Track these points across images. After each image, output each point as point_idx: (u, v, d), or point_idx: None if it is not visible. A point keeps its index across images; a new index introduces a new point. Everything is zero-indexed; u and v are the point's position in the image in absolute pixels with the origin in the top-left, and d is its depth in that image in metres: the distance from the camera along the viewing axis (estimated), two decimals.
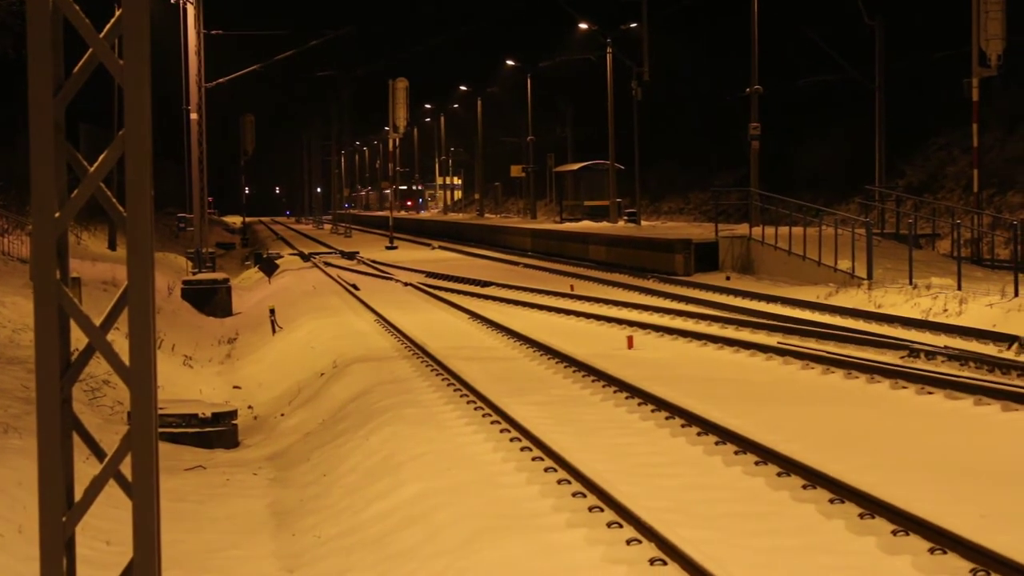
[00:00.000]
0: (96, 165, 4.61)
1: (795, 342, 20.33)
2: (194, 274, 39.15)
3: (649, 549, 8.56)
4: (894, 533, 8.83)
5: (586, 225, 57.03)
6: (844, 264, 30.46)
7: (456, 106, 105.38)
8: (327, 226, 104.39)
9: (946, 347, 18.73)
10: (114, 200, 4.68)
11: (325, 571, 10.02)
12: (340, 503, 12.15)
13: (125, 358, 4.65)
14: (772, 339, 20.87)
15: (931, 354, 18.01)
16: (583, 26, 62.82)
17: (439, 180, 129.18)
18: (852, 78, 46.90)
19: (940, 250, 36.45)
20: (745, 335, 21.75)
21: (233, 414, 17.58)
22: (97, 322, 4.67)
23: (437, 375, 17.95)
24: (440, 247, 63.49)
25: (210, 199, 54.22)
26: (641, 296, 31.22)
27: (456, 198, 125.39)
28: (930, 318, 22.86)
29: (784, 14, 51.10)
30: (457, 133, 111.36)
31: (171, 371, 22.75)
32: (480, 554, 8.93)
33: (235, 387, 23.00)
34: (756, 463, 11.28)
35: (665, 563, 8.24)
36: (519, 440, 12.65)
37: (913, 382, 15.63)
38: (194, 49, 40.91)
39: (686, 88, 69.16)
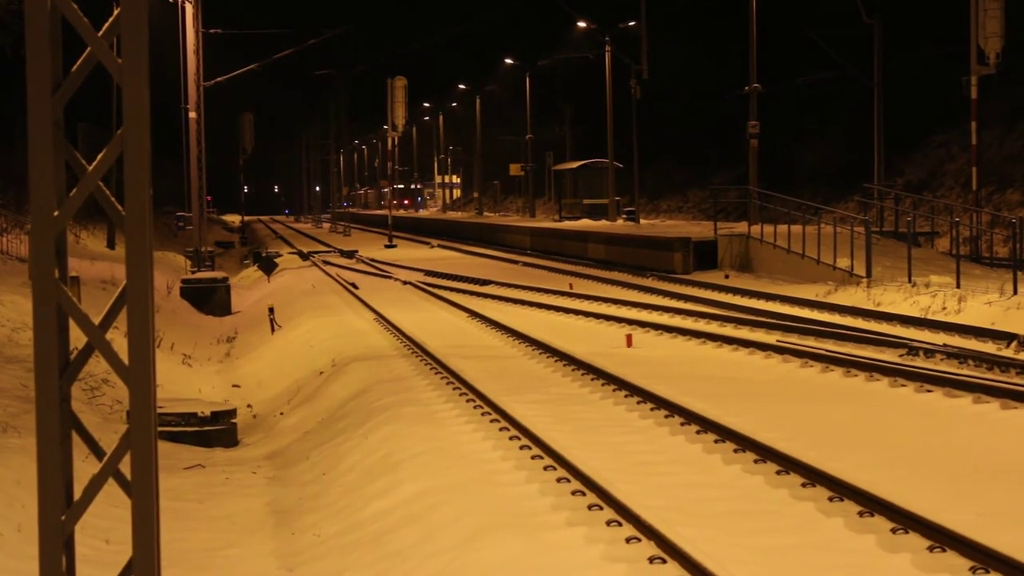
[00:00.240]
0: (95, 164, 4.60)
1: (794, 340, 20.33)
2: (193, 273, 39.16)
3: (648, 547, 8.56)
4: (893, 531, 8.83)
5: (585, 223, 57.03)
6: (843, 262, 30.46)
7: (455, 105, 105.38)
8: (326, 225, 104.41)
9: (945, 345, 18.73)
10: (113, 199, 4.68)
11: (324, 569, 10.03)
12: (339, 502, 12.16)
13: (124, 357, 4.65)
14: (771, 337, 20.87)
15: (930, 352, 18.01)
16: (582, 24, 62.83)
17: (438, 179, 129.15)
18: (851, 76, 46.91)
19: (939, 248, 36.46)
20: (744, 333, 21.75)
21: (232, 413, 17.59)
22: (96, 321, 4.67)
23: (436, 373, 17.95)
24: (439, 246, 63.49)
25: (209, 198, 54.24)
26: (640, 294, 31.22)
27: (455, 197, 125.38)
28: (929, 316, 22.86)
29: (783, 12, 51.11)
30: (456, 132, 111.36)
31: (170, 370, 22.75)
32: (479, 552, 8.93)
33: (234, 386, 23.00)
34: (755, 461, 11.28)
35: (664, 561, 8.24)
36: (518, 438, 12.65)
37: (912, 380, 15.63)
38: (193, 48, 40.92)
39: (685, 86, 69.16)
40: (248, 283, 47.31)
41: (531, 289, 32.82)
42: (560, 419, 13.81)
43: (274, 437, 17.61)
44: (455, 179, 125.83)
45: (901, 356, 18.09)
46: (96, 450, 4.81)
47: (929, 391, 15.07)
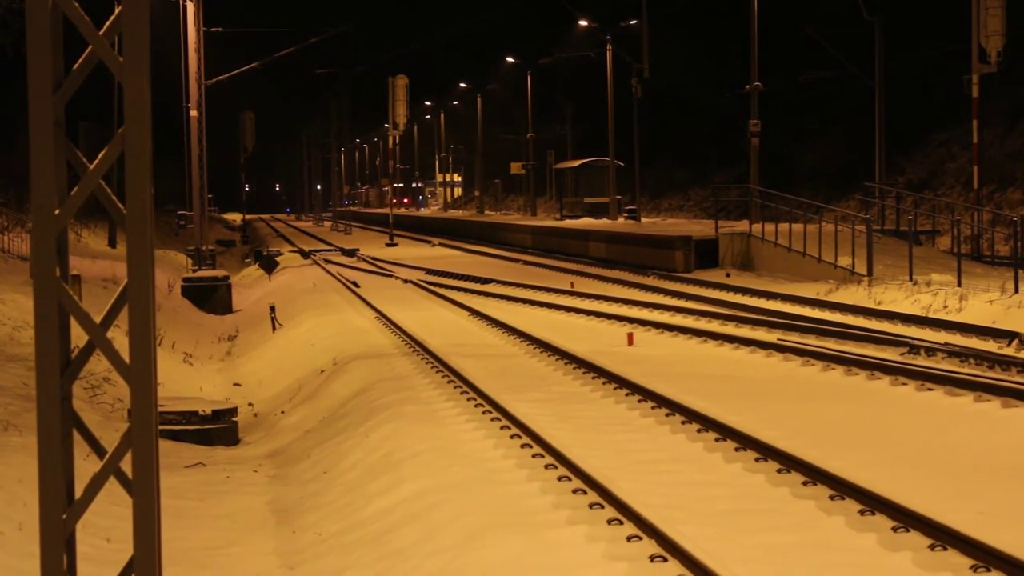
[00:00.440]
0: (96, 162, 4.61)
1: (795, 339, 20.33)
2: (194, 271, 39.17)
3: (649, 546, 8.57)
4: (894, 529, 8.83)
5: (586, 222, 57.03)
6: (844, 261, 30.46)
7: (456, 103, 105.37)
8: (327, 223, 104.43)
9: (946, 343, 18.73)
10: (114, 197, 4.68)
11: (325, 568, 10.03)
12: (340, 500, 12.16)
13: (125, 355, 4.65)
14: (772, 336, 20.87)
15: (931, 350, 18.01)
16: (583, 23, 62.84)
17: (439, 177, 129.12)
18: (852, 75, 46.89)
19: (940, 246, 36.46)
20: (745, 332, 21.75)
21: (233, 411, 17.59)
22: (97, 319, 4.67)
23: (437, 372, 17.95)
24: (440, 244, 63.50)
25: (210, 196, 54.18)
26: (641, 293, 31.21)
27: (456, 195, 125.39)
28: (930, 314, 22.86)
29: (784, 11, 51.09)
30: (457, 130, 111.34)
31: (171, 368, 22.75)
32: (480, 551, 8.93)
33: (235, 384, 23.01)
34: (756, 460, 11.28)
35: (665, 560, 8.25)
36: (519, 437, 12.65)
37: (913, 378, 15.63)
38: (194, 47, 40.91)
39: (686, 85, 69.14)
40: (249, 282, 47.32)
41: (532, 288, 32.82)
42: (561, 418, 13.81)
43: (275, 435, 17.61)
44: (456, 178, 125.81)
45: (902, 355, 18.09)
46: (97, 448, 4.81)
47: (930, 390, 15.07)
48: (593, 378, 16.76)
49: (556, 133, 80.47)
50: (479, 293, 32.17)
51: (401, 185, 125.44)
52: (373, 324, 25.91)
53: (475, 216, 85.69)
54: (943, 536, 8.39)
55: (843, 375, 16.72)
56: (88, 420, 8.87)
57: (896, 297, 25.57)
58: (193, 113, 41.11)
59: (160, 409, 12.41)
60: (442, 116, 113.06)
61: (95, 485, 4.69)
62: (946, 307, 23.45)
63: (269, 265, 47.53)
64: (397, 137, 77.26)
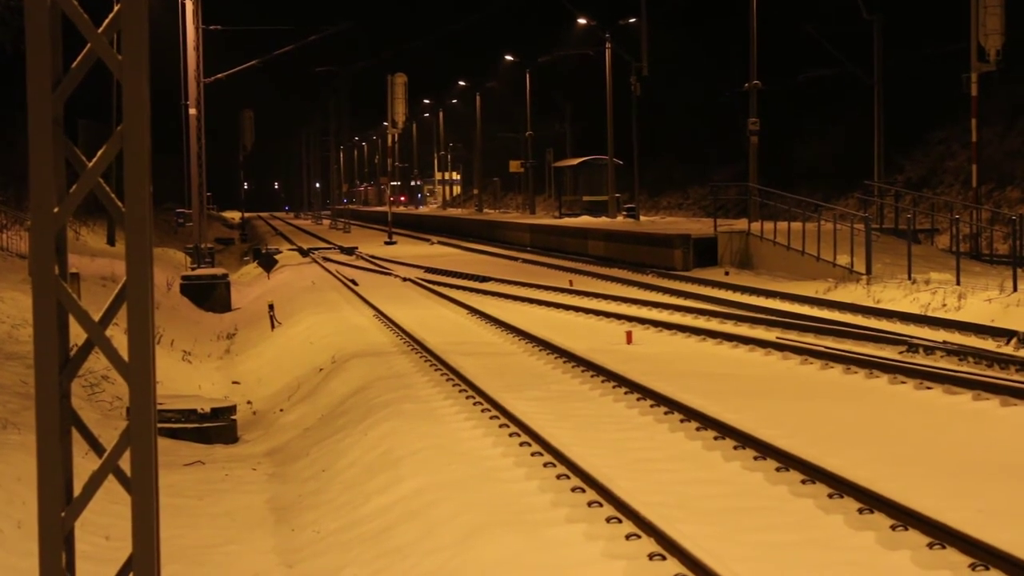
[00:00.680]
0: (94, 160, 4.60)
1: (794, 337, 20.34)
2: (193, 269, 39.16)
3: (648, 544, 8.57)
4: (893, 528, 8.84)
5: (585, 220, 57.02)
6: (843, 259, 30.45)
7: (455, 101, 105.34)
8: (326, 221, 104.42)
9: (945, 342, 18.73)
10: (113, 195, 4.68)
11: (324, 566, 10.03)
12: (339, 498, 12.16)
13: (124, 353, 4.65)
14: (771, 334, 20.87)
15: (930, 349, 18.01)
16: (582, 21, 62.81)
17: (438, 175, 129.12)
18: (851, 73, 46.88)
19: (939, 245, 36.45)
20: (744, 330, 21.75)
21: (232, 409, 17.59)
22: (96, 317, 4.67)
23: (436, 370, 17.95)
24: (439, 242, 63.50)
25: (209, 194, 54.21)
26: (640, 291, 31.21)
27: (455, 193, 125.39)
28: (929, 313, 22.86)
29: (783, 9, 51.06)
30: (456, 128, 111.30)
31: (170, 366, 22.75)
32: (479, 549, 8.93)
33: (234, 382, 23.01)
34: (755, 458, 11.29)
35: (664, 558, 8.25)
36: (518, 435, 12.66)
37: (912, 377, 15.63)
38: (193, 44, 40.89)
39: (685, 83, 69.12)
40: (248, 280, 47.31)
41: (531, 286, 32.82)
42: (560, 416, 13.81)
43: (274, 434, 17.61)
44: (455, 176, 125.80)
45: (901, 353, 18.09)
46: (96, 446, 4.81)
47: (929, 388, 15.07)
48: (592, 376, 16.76)
49: (555, 131, 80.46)
50: (478, 291, 32.17)
51: (398, 183, 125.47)
52: (372, 322, 25.91)
53: (474, 214, 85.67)
54: (942, 534, 8.39)
55: (842, 373, 16.72)
56: (87, 418, 8.86)
57: (895, 295, 25.58)
58: (192, 111, 41.10)
59: (159, 407, 12.41)
60: (441, 114, 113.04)
61: (94, 483, 4.68)
62: (945, 305, 23.45)
63: (268, 263, 47.50)
64: (396, 135, 77.27)
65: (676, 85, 67.76)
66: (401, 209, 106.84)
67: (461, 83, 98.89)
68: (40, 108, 4.55)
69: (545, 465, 11.24)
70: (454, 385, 16.40)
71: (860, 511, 9.30)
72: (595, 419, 13.70)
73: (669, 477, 10.70)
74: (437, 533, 9.66)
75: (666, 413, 13.78)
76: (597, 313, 25.65)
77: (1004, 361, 16.62)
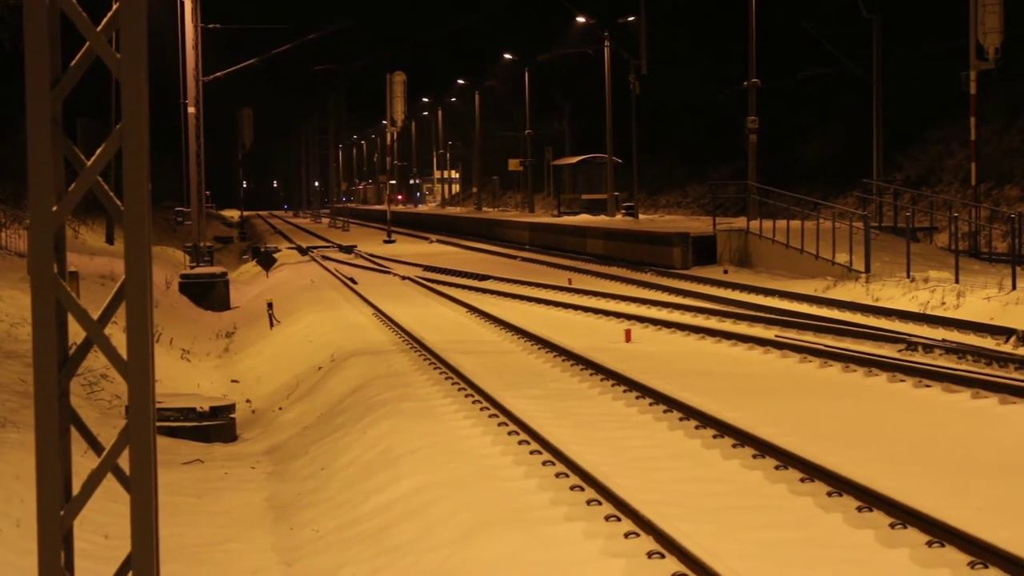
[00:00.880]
0: (93, 159, 4.60)
1: (793, 335, 20.34)
2: (192, 268, 39.16)
3: (647, 542, 8.57)
4: (892, 526, 8.84)
5: (584, 219, 57.02)
6: (842, 257, 30.46)
7: (454, 100, 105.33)
8: (325, 220, 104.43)
9: (944, 340, 18.73)
10: (111, 194, 4.67)
11: (323, 564, 10.03)
12: (338, 496, 12.16)
13: (123, 352, 4.65)
14: (770, 332, 20.87)
15: (929, 347, 18.02)
16: (581, 20, 62.80)
17: (437, 174, 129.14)
18: (850, 72, 46.87)
19: (938, 243, 36.45)
20: (743, 328, 21.76)
21: (231, 408, 17.59)
22: (95, 316, 4.67)
23: (435, 369, 17.95)
24: (438, 241, 63.50)
25: (208, 193, 54.22)
26: (639, 290, 31.22)
27: (454, 192, 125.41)
28: (928, 311, 22.87)
29: (782, 8, 51.08)
30: (455, 127, 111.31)
31: (169, 365, 22.76)
32: (478, 547, 8.93)
33: (233, 381, 23.00)
34: (754, 456, 11.29)
35: (663, 556, 8.25)
36: (517, 433, 12.66)
37: (911, 375, 15.64)
38: (191, 43, 40.88)
39: (684, 82, 69.11)
40: (247, 278, 47.31)
41: (530, 284, 32.82)
42: (559, 414, 13.81)
43: (273, 432, 17.61)
44: (454, 174, 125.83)
45: (900, 351, 18.10)
46: (95, 445, 4.81)
47: (928, 386, 15.08)
48: (591, 375, 16.76)
49: (554, 130, 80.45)
50: (477, 290, 32.17)
51: (394, 182, 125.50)
52: (371, 321, 25.91)
53: (473, 213, 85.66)
54: (941, 532, 8.39)
55: (841, 372, 16.72)
56: (86, 416, 8.86)
57: (894, 294, 25.58)
58: (191, 110, 41.09)
59: (158, 406, 12.41)
60: (440, 113, 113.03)
61: (93, 482, 4.68)
62: (943, 304, 23.46)
63: (267, 262, 47.50)
64: (395, 134, 77.22)
65: (675, 83, 67.75)
66: (400, 208, 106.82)
67: (460, 82, 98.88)
68: (39, 106, 4.55)
69: (544, 463, 11.24)
70: (453, 383, 16.40)
71: (859, 509, 9.30)
72: (594, 417, 13.70)
73: (668, 475, 10.70)
74: (436, 531, 9.66)
75: (665, 411, 13.78)
76: (596, 311, 25.65)
77: (1003, 359, 16.62)
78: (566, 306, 27.07)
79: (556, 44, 73.13)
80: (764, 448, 11.30)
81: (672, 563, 8.10)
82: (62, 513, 4.67)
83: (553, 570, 8.26)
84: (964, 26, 33.82)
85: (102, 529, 10.72)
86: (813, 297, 26.43)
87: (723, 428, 12.31)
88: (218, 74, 47.31)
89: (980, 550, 7.96)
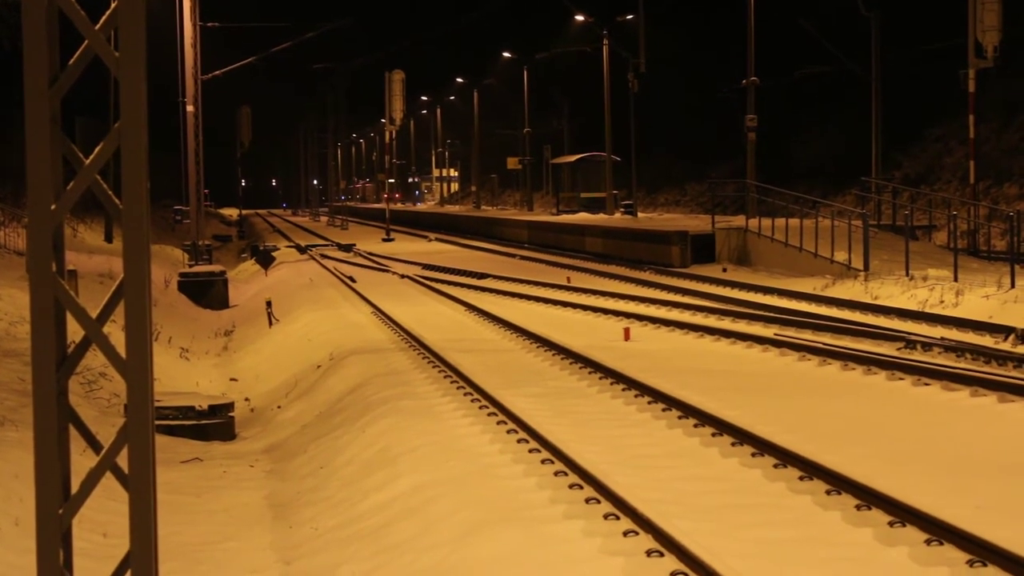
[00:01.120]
0: (92, 157, 4.60)
1: (791, 334, 20.34)
2: (191, 266, 39.15)
3: (646, 541, 8.57)
4: (891, 524, 8.84)
5: (583, 217, 57.01)
6: (841, 256, 30.46)
7: (453, 98, 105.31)
8: (323, 218, 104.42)
9: (942, 338, 18.74)
10: (110, 192, 4.67)
11: (322, 563, 10.02)
12: (337, 495, 12.16)
13: (121, 350, 4.65)
14: (769, 331, 20.87)
15: (927, 345, 18.02)
16: (579, 18, 62.78)
17: (435, 172, 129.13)
18: (849, 70, 46.86)
19: (937, 241, 36.46)
20: (742, 327, 21.76)
21: (230, 406, 17.59)
22: (93, 315, 4.67)
23: (434, 367, 17.95)
24: (437, 239, 63.50)
25: (206, 191, 54.15)
26: (638, 288, 31.23)
27: (453, 190, 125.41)
28: (926, 309, 22.87)
29: (781, 6, 51.07)
30: (454, 125, 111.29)
31: (168, 363, 22.75)
32: (477, 546, 8.93)
33: (232, 379, 23.00)
34: (753, 454, 11.29)
35: (662, 555, 8.25)
36: (516, 432, 12.66)
37: (909, 373, 15.64)
38: (190, 41, 40.86)
39: (683, 80, 69.10)
40: (246, 277, 47.30)
41: (529, 283, 32.82)
42: (558, 412, 13.81)
43: (272, 431, 17.61)
44: (453, 173, 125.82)
45: (899, 349, 18.10)
46: (93, 444, 4.80)
47: (927, 384, 15.08)
48: (590, 373, 16.76)
49: (553, 128, 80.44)
50: (476, 288, 32.17)
51: (392, 181, 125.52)
52: (370, 319, 25.91)
53: (472, 211, 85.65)
54: (940, 531, 8.39)
55: (840, 370, 16.72)
56: (84, 415, 8.86)
57: (892, 292, 25.58)
58: (190, 108, 41.07)
59: (156, 404, 12.41)
60: (439, 111, 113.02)
61: (91, 480, 4.68)
62: (942, 302, 23.46)
63: (265, 260, 47.48)
64: (394, 132, 77.19)
65: (674, 82, 67.76)
66: (399, 206, 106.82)
67: (459, 80, 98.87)
68: (37, 105, 4.54)
69: (543, 462, 11.24)
70: (452, 382, 16.39)
71: (858, 507, 9.30)
72: (593, 416, 13.70)
73: (667, 473, 10.70)
74: (435, 530, 9.66)
75: (664, 410, 13.78)
76: (595, 310, 25.66)
77: (1002, 357, 16.62)
78: (565, 304, 27.07)
79: (555, 43, 73.13)
80: (763, 446, 11.30)
81: (671, 561, 8.10)
82: (61, 512, 4.67)
83: (552, 568, 8.26)
84: (963, 24, 33.80)
85: (101, 527, 10.72)
86: (812, 295, 26.43)
87: (722, 426, 12.31)
88: (217, 72, 47.29)
89: (979, 548, 7.97)
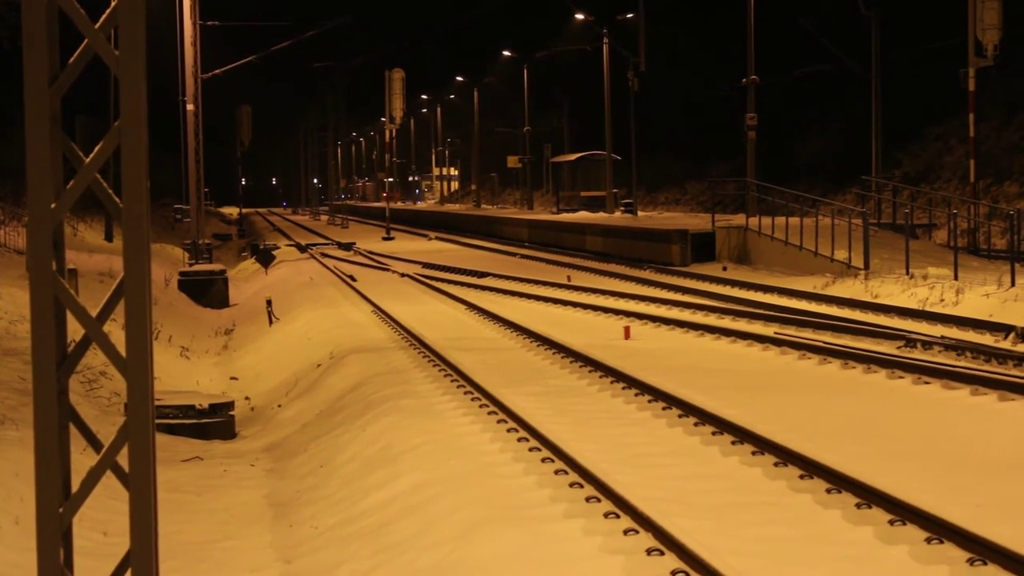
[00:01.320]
0: (92, 156, 4.60)
1: (792, 332, 20.33)
2: (191, 265, 39.15)
3: (647, 539, 8.57)
4: (891, 523, 8.84)
5: (583, 216, 57.01)
6: (841, 254, 30.46)
7: (453, 97, 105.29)
8: (324, 217, 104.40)
9: (942, 337, 18.73)
10: (110, 191, 4.67)
11: (322, 561, 10.03)
12: (337, 494, 12.16)
13: (122, 349, 4.65)
14: (769, 329, 20.87)
15: (927, 344, 18.02)
16: (580, 17, 62.78)
17: (436, 171, 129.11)
18: (849, 69, 46.87)
19: (937, 240, 36.46)
20: (742, 325, 21.76)
21: (230, 405, 17.58)
22: (93, 313, 4.67)
23: (434, 366, 17.95)
24: (437, 238, 63.49)
25: (207, 190, 54.15)
26: (638, 287, 31.23)
27: (453, 189, 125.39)
28: (927, 308, 22.87)
29: (781, 5, 51.08)
30: (454, 124, 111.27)
31: (168, 362, 22.75)
32: (477, 544, 8.93)
33: (232, 378, 23.00)
34: (753, 453, 11.29)
35: (662, 553, 8.25)
36: (516, 431, 12.66)
37: (909, 372, 15.64)
38: (190, 40, 40.86)
39: (683, 79, 69.11)
40: (246, 275, 47.31)
41: (529, 281, 32.82)
42: (558, 411, 13.81)
43: (272, 429, 17.61)
44: (453, 171, 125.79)
45: (899, 348, 18.10)
46: (94, 442, 4.80)
47: (927, 383, 15.08)
48: (590, 372, 16.77)
49: (553, 127, 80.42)
50: (476, 287, 32.17)
51: (392, 179, 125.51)
52: (370, 318, 25.91)
53: (472, 210, 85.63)
54: (940, 529, 8.39)
55: (840, 368, 16.72)
56: (85, 414, 8.86)
57: (892, 291, 25.58)
58: (190, 107, 41.07)
59: (157, 403, 12.41)
60: (439, 110, 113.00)
61: (92, 479, 4.68)
62: (942, 301, 23.46)
63: (266, 259, 47.47)
64: (394, 131, 77.19)
65: (674, 80, 67.76)
66: (399, 205, 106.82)
67: (459, 79, 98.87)
68: (37, 104, 4.54)
69: (543, 460, 11.24)
70: (452, 381, 16.39)
71: (858, 506, 9.30)
72: (593, 414, 13.70)
73: (667, 472, 10.70)
74: (435, 528, 9.66)
75: (664, 408, 13.78)
76: (595, 309, 25.66)
77: (1002, 356, 16.62)
78: (565, 303, 27.07)
79: (555, 41, 73.14)
80: (763, 445, 11.30)
81: (671, 560, 8.10)
82: (61, 510, 4.67)
83: (552, 567, 8.26)
84: (963, 23, 33.80)
85: (101, 526, 10.72)
86: (812, 294, 26.43)
87: (722, 425, 12.31)
88: (217, 71, 47.28)
89: (979, 547, 7.96)
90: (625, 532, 8.80)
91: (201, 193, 42.51)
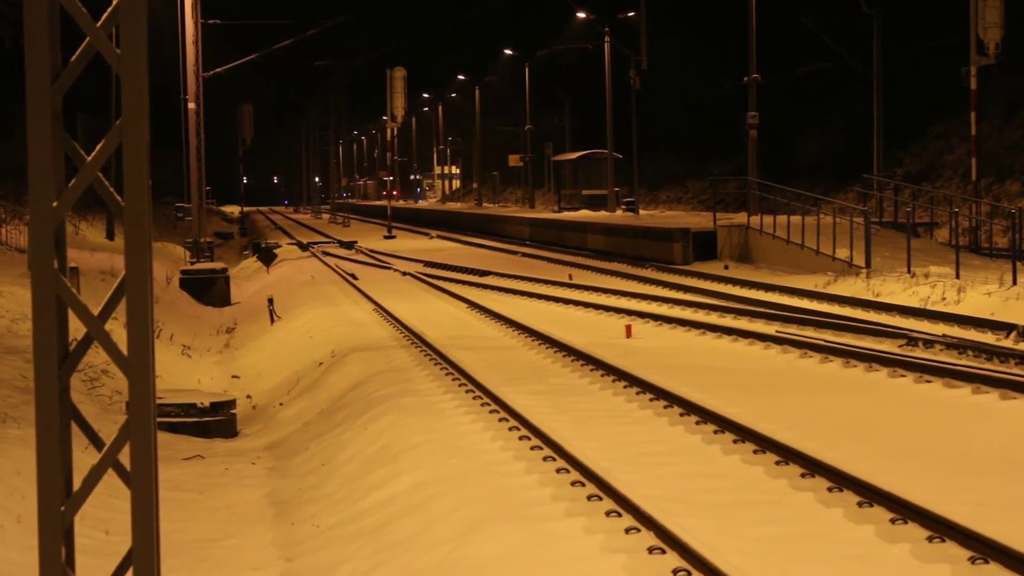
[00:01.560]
0: (93, 154, 4.60)
1: (793, 331, 20.33)
2: (192, 264, 39.16)
3: (648, 538, 8.57)
4: (892, 521, 8.84)
5: (584, 214, 57.01)
6: (842, 253, 30.45)
7: (454, 95, 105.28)
8: (325, 216, 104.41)
9: (944, 335, 18.73)
10: (112, 190, 4.67)
11: (323, 560, 10.03)
12: (338, 492, 12.16)
13: (123, 348, 4.65)
14: (770, 328, 20.87)
15: (929, 342, 18.02)
16: (581, 15, 62.77)
17: (437, 169, 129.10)
18: (850, 67, 46.84)
19: (938, 239, 36.44)
20: (743, 324, 21.76)
21: (232, 404, 17.58)
22: (95, 312, 4.67)
23: (435, 364, 17.95)
24: (438, 236, 63.50)
25: (208, 189, 54.20)
26: (639, 285, 31.23)
27: (454, 187, 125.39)
28: (928, 306, 22.87)
29: (782, 3, 51.06)
30: (455, 122, 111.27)
31: (169, 361, 22.75)
32: (478, 543, 8.93)
33: (234, 377, 23.00)
34: (755, 452, 11.29)
35: (664, 552, 8.25)
36: (517, 429, 12.66)
37: (911, 370, 15.64)
38: (191, 39, 40.86)
39: (684, 77, 69.11)
40: (247, 274, 47.31)
41: (530, 280, 32.82)
42: (559, 410, 13.81)
43: (273, 428, 17.61)
44: (454, 170, 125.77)
45: (900, 347, 18.10)
46: (95, 441, 4.81)
47: (928, 382, 15.08)
48: (591, 370, 16.76)
49: (554, 125, 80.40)
50: (477, 285, 32.17)
51: (394, 178, 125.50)
52: (371, 316, 25.91)
53: (473, 208, 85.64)
54: (941, 528, 8.39)
55: (841, 367, 16.72)
56: (86, 412, 8.87)
57: (894, 289, 25.58)
58: (191, 106, 41.07)
59: (158, 401, 12.40)
60: (440, 108, 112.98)
61: (93, 477, 4.68)
62: (944, 299, 23.45)
63: (267, 257, 47.50)
64: (395, 129, 77.21)
65: (675, 79, 67.76)
66: (401, 203, 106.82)
67: (460, 77, 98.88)
68: (39, 102, 4.54)
69: (545, 459, 11.24)
70: (454, 379, 16.39)
71: (860, 504, 9.30)
72: (595, 413, 13.70)
73: (669, 471, 10.70)
74: (437, 527, 9.66)
75: (666, 407, 13.78)
76: (596, 307, 25.66)
77: (1004, 355, 16.62)
78: (567, 302, 27.07)
79: (556, 40, 73.13)
80: (765, 443, 11.30)
81: (673, 559, 8.10)
82: (63, 509, 4.67)
83: (554, 566, 8.26)
84: (964, 21, 33.79)
85: (103, 525, 10.72)
86: (814, 292, 26.42)
87: (724, 424, 12.31)
88: (218, 70, 47.30)
89: (981, 545, 7.96)
90: (627, 531, 8.80)
91: (203, 191, 42.52)
